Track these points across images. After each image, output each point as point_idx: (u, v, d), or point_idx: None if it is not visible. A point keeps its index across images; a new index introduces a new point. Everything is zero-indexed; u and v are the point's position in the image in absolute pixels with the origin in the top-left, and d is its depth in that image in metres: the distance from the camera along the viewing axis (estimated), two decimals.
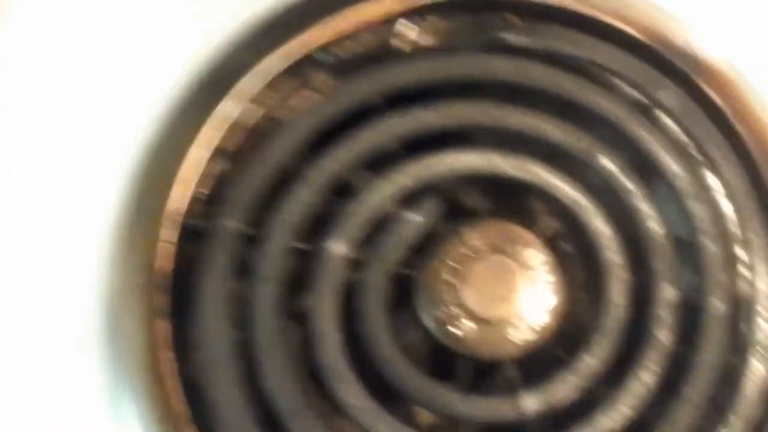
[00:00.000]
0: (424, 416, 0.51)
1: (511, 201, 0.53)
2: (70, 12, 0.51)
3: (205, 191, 0.51)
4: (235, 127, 0.51)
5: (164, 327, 0.48)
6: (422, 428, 0.50)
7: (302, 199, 0.50)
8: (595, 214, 0.51)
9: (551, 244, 0.52)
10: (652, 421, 0.48)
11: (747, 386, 0.49)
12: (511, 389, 0.48)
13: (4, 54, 0.51)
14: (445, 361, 0.51)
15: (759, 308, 0.50)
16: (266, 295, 0.48)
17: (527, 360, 0.50)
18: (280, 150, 0.50)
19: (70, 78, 0.51)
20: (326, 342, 0.48)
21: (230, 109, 0.51)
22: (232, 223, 0.49)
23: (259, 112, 0.52)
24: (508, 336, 0.49)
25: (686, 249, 0.51)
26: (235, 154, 0.52)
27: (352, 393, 0.47)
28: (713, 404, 0.49)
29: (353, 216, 0.50)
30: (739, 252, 0.51)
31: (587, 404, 0.49)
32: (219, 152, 0.51)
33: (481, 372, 0.50)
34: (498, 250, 0.50)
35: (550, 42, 0.52)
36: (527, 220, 0.52)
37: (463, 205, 0.52)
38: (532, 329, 0.49)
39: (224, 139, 0.51)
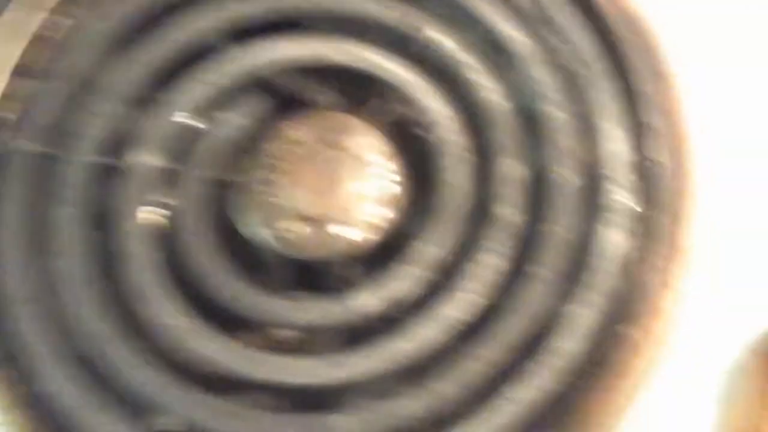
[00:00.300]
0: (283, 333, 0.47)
1: (347, 90, 0.48)
2: None
3: (11, 115, 0.46)
4: (37, 41, 0.47)
5: None
6: (278, 344, 0.46)
7: (104, 110, 0.45)
8: (429, 92, 0.47)
9: (394, 131, 0.47)
10: (505, 304, 0.44)
11: (603, 258, 0.45)
12: (346, 288, 0.44)
13: None
14: (288, 271, 0.46)
15: (611, 174, 0.46)
16: (69, 218, 0.44)
17: (374, 256, 0.46)
18: (77, 60, 0.46)
19: None
20: (133, 260, 0.44)
21: (22, 19, 0.47)
22: (29, 144, 0.45)
23: (64, 24, 0.48)
24: (343, 234, 0.45)
25: (534, 120, 0.46)
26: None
27: (161, 312, 0.43)
28: (569, 280, 0.44)
29: (162, 123, 0.45)
30: (588, 116, 0.46)
31: (432, 296, 0.44)
32: (22, 70, 0.47)
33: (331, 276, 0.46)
34: (326, 142, 0.46)
35: None
36: (366, 109, 0.48)
37: (295, 99, 0.48)
38: (371, 224, 0.45)
39: (26, 55, 0.47)
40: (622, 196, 0.46)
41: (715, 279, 0.48)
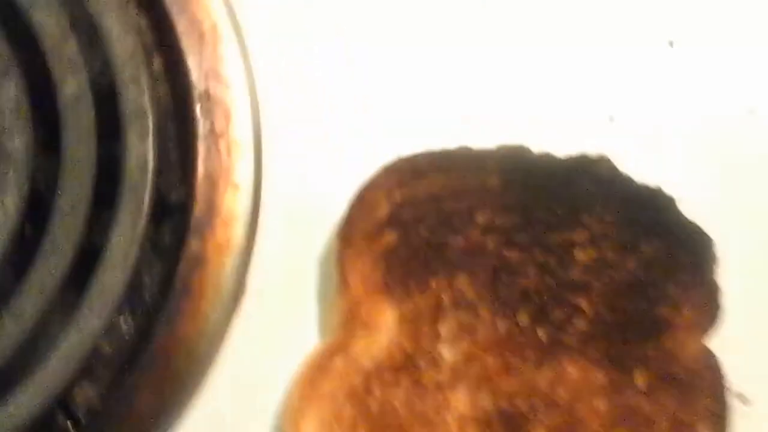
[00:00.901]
0: None
1: None
2: None
3: None
4: None
5: None
6: None
7: None
8: None
9: None
10: (34, 248, 0.37)
11: (135, 172, 0.38)
12: None
13: None
14: None
15: (125, 77, 0.40)
16: None
17: None
18: None
19: None
20: None
21: None
22: None
23: None
24: None
25: (30, 31, 0.40)
26: None
27: None
28: (100, 204, 0.38)
29: None
30: (91, 19, 0.40)
31: None
32: None
33: None
34: None
35: None
36: None
37: None
38: None
39: None
40: (142, 99, 0.40)
41: (289, 168, 0.44)
